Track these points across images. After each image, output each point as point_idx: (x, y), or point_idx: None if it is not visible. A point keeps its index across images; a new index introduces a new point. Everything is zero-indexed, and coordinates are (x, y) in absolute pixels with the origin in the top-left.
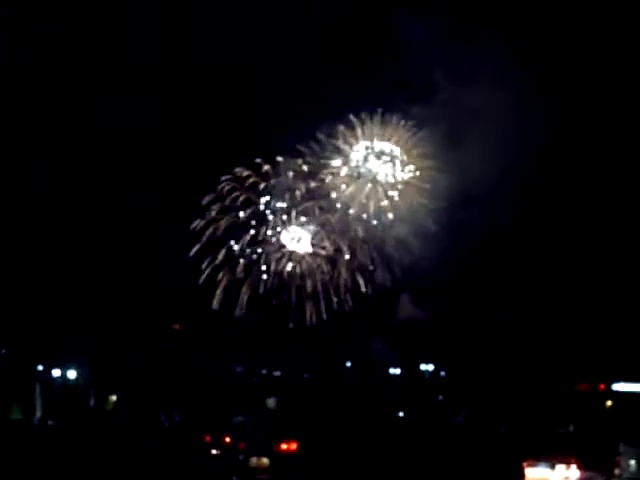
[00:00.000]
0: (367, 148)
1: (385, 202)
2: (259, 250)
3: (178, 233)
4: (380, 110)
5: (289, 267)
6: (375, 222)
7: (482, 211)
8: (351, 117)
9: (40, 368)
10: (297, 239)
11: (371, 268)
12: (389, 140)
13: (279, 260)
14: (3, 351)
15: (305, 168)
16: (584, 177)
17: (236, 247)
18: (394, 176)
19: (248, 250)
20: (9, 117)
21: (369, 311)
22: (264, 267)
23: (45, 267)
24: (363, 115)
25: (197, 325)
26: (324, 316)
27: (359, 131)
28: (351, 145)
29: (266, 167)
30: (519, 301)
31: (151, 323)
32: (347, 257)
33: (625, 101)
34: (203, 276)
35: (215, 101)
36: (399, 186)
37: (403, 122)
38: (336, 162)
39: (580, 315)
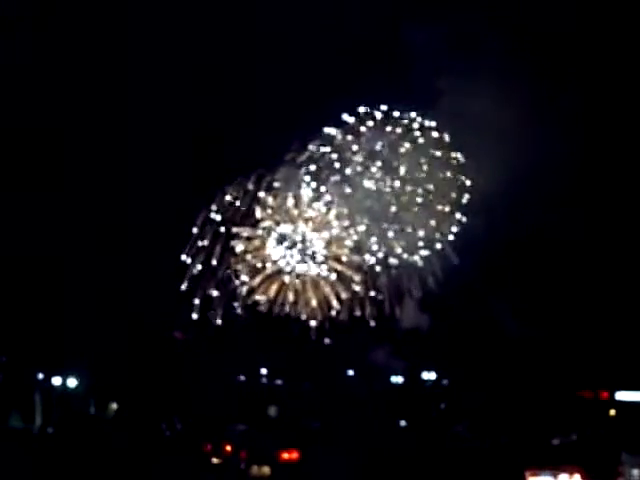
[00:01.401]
0: (367, 157)
1: (393, 228)
2: (258, 279)
3: (181, 238)
4: (385, 109)
5: (291, 296)
6: (381, 254)
7: (487, 220)
8: (347, 118)
9: (40, 376)
10: (301, 259)
11: (380, 298)
12: (398, 147)
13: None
14: (3, 359)
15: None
16: (591, 181)
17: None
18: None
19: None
20: None
21: (371, 319)
22: (263, 297)
23: (45, 274)
24: (362, 116)
25: (199, 333)
26: (326, 325)
27: (358, 134)
28: (349, 153)
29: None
30: (522, 309)
31: (152, 331)
32: (357, 288)
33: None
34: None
35: (209, 107)
36: (413, 208)
37: (418, 123)
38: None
39: (584, 323)
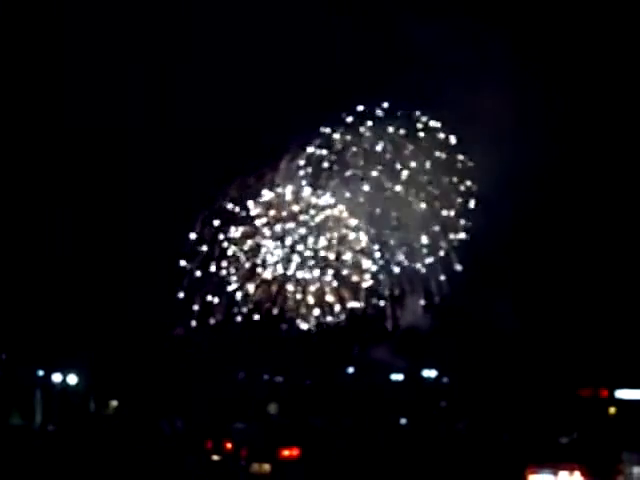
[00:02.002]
0: (367, 159)
1: (396, 235)
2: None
3: (183, 235)
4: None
5: (292, 304)
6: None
7: (484, 216)
8: (347, 118)
9: (40, 373)
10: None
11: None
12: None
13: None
14: (3, 356)
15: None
16: (589, 183)
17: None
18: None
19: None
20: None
21: (371, 317)
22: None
23: (46, 272)
24: (362, 114)
25: (199, 330)
26: (326, 321)
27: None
28: (348, 154)
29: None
30: (522, 306)
31: (152, 328)
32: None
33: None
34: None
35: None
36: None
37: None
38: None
39: (583, 322)
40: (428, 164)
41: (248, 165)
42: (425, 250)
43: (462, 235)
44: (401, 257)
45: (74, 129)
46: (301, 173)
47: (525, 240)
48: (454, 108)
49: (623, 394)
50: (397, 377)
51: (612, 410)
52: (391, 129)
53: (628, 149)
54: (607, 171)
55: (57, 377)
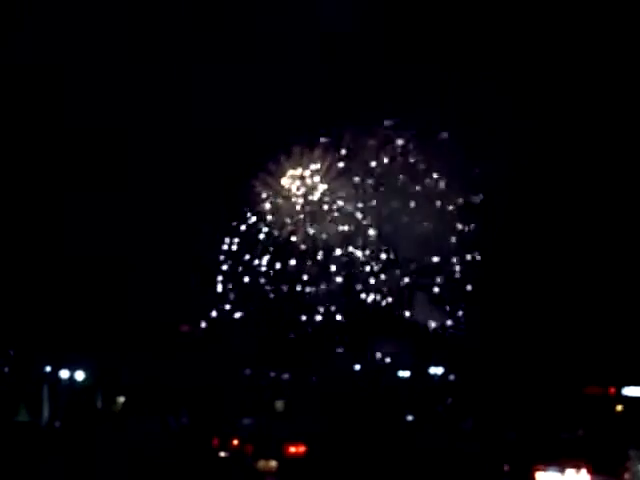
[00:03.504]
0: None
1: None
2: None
3: (189, 231)
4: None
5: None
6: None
7: (489, 214)
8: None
9: (48, 369)
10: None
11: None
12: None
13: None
14: (11, 352)
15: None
16: (594, 177)
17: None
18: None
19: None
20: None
21: (378, 314)
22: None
23: (53, 267)
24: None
25: (206, 327)
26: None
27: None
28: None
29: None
30: (529, 304)
31: (159, 325)
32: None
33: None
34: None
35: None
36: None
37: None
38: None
39: (591, 319)
40: (441, 180)
41: (251, 170)
42: (435, 268)
43: (476, 255)
44: (409, 277)
45: (77, 129)
46: (305, 181)
47: (532, 239)
48: (464, 118)
49: (630, 391)
50: (404, 374)
51: (619, 407)
52: (400, 141)
53: (635, 155)
54: (611, 175)
55: (64, 373)
